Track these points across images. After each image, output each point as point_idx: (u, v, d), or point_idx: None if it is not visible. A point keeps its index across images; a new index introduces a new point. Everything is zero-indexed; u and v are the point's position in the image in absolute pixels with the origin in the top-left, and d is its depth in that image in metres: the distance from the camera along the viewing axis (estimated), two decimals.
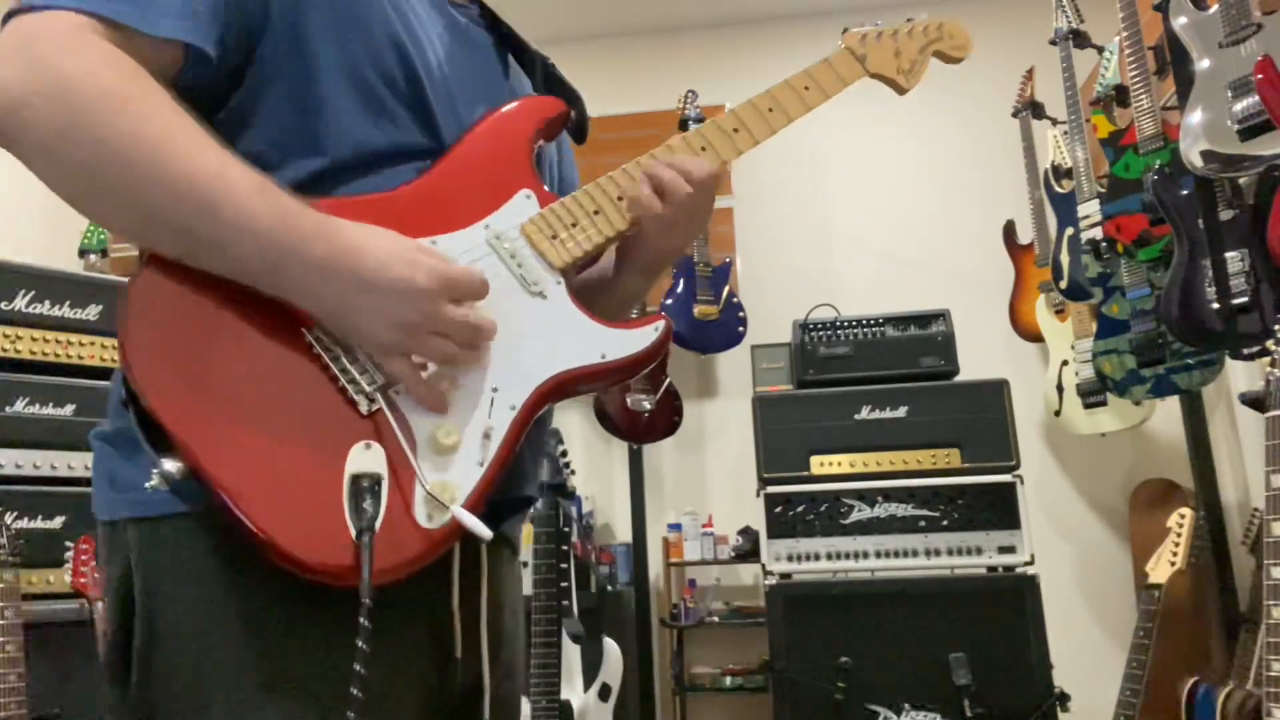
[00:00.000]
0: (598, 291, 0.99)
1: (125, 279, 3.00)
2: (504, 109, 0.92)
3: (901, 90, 1.04)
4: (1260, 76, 2.02)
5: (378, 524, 0.72)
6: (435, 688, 0.85)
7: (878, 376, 3.01)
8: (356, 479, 0.73)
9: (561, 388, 0.84)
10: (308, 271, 0.75)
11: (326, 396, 0.77)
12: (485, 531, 0.75)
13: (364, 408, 0.77)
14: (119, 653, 0.78)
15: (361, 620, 0.69)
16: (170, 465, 0.71)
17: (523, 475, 0.90)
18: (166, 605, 0.77)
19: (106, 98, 0.72)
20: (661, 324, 0.86)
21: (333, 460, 0.74)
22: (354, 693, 0.69)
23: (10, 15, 0.75)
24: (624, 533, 3.87)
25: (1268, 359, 1.73)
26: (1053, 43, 3.21)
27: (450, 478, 0.77)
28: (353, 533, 0.71)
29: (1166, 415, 3.48)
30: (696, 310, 3.65)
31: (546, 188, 0.92)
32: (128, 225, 0.76)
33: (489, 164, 0.89)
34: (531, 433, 0.84)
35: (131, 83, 0.74)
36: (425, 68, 0.88)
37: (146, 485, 0.72)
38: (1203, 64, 2.20)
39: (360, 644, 0.69)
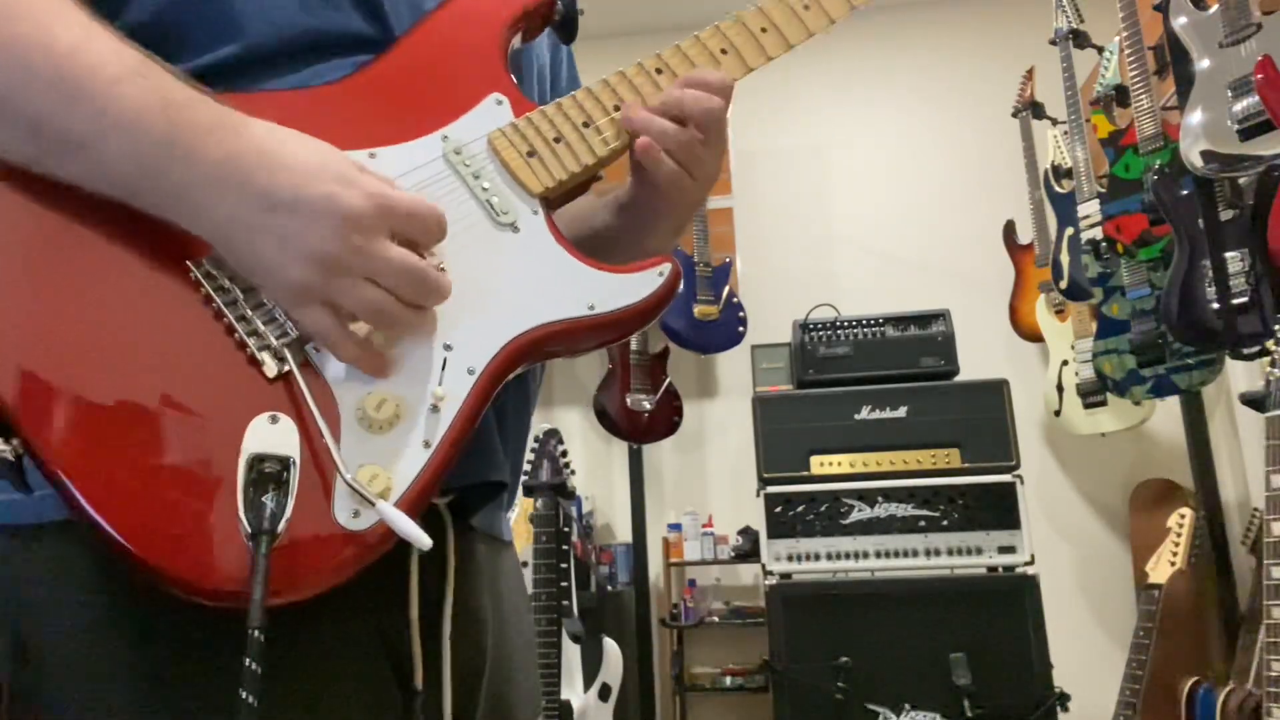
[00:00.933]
0: (612, 248, 0.77)
1: None
2: None
3: None
4: (1260, 76, 2.02)
5: (282, 524, 0.53)
6: (405, 685, 0.66)
7: (878, 376, 3.01)
8: (257, 462, 0.54)
9: (536, 346, 0.64)
10: (196, 180, 0.55)
11: (220, 353, 0.57)
12: (424, 539, 0.56)
13: (271, 369, 0.58)
14: None
15: (248, 663, 0.50)
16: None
17: (492, 454, 0.70)
18: (43, 639, 0.58)
19: None
20: (667, 267, 0.66)
21: (226, 438, 0.55)
22: None
23: None
24: (624, 533, 3.87)
25: (1268, 359, 1.73)
26: (1053, 43, 3.21)
27: (384, 463, 0.58)
28: (245, 535, 0.52)
29: (1166, 415, 3.48)
30: (696, 310, 3.65)
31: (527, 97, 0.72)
32: None
33: (450, 60, 0.69)
34: (507, 403, 0.67)
35: None
36: None
37: None
38: (1203, 64, 2.20)
39: (245, 695, 0.49)
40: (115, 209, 0.57)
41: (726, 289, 3.73)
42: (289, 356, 0.58)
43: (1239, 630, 2.84)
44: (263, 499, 0.53)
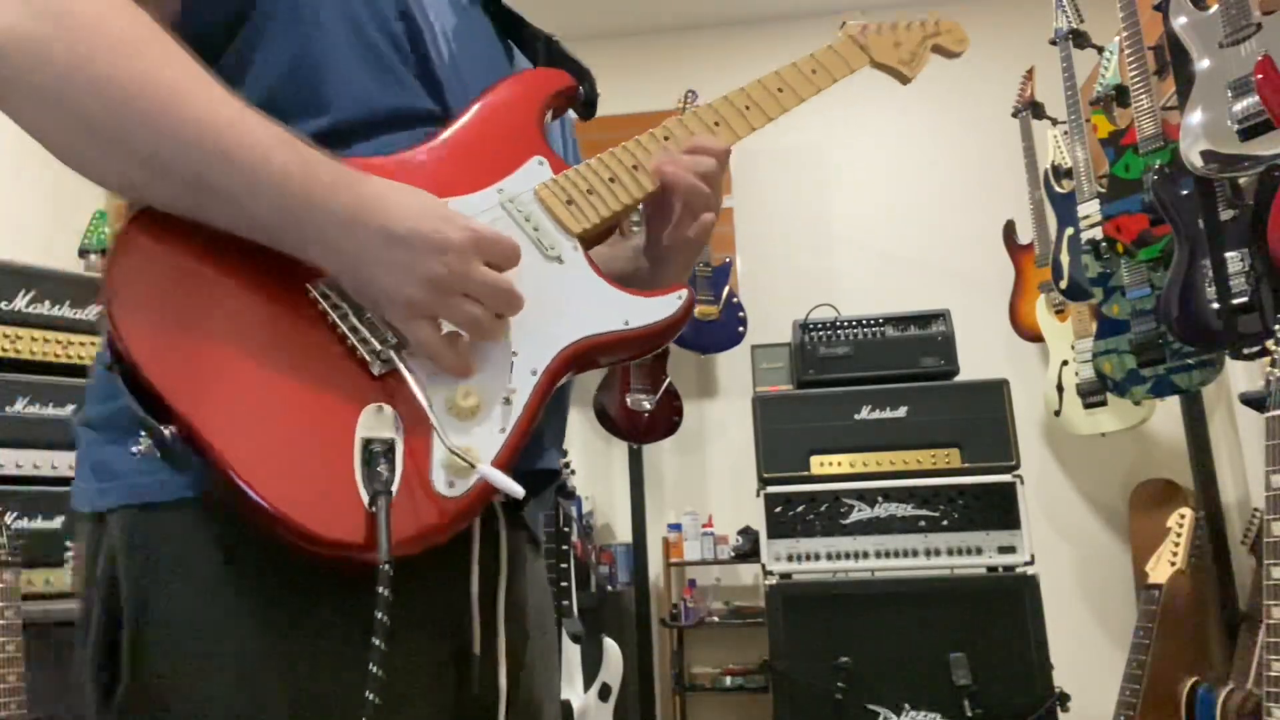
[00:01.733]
0: (633, 281, 0.94)
1: None
2: (513, 78, 0.91)
3: (905, 80, 1.05)
4: (1260, 76, 2.02)
5: (394, 488, 0.67)
6: (453, 688, 0.77)
7: (878, 376, 3.01)
8: (368, 443, 0.68)
9: (583, 354, 0.79)
10: (330, 224, 0.70)
11: (334, 356, 0.72)
12: (517, 489, 0.70)
13: (375, 368, 0.72)
14: (104, 655, 0.70)
15: (380, 590, 0.64)
16: (161, 428, 0.65)
17: (541, 447, 0.85)
18: (159, 602, 0.69)
19: (118, 40, 0.69)
20: (684, 292, 0.83)
21: (342, 424, 0.69)
22: (372, 669, 0.63)
23: None
24: (624, 533, 3.87)
25: (1268, 359, 1.73)
26: (1053, 43, 3.21)
27: (471, 442, 0.71)
28: (364, 500, 0.66)
29: (1166, 415, 3.48)
30: (696, 310, 3.65)
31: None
32: (131, 177, 0.71)
33: (500, 130, 0.86)
34: (550, 408, 0.79)
35: (143, 26, 0.70)
36: (430, 34, 0.87)
37: (133, 450, 0.67)
38: (1203, 64, 2.20)
39: (379, 615, 0.64)
40: (247, 247, 0.71)
41: (726, 289, 3.73)
42: (392, 358, 0.72)
43: (1239, 630, 2.84)
44: (377, 469, 0.67)
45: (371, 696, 0.62)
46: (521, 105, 0.89)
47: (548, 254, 0.81)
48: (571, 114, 1.02)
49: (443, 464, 0.70)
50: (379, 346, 0.72)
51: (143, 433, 0.66)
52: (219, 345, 0.69)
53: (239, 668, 0.68)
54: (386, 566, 0.64)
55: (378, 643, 0.63)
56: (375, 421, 0.69)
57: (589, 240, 0.85)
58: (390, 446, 0.68)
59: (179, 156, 0.68)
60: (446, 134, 0.83)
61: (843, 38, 1.03)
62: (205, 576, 0.69)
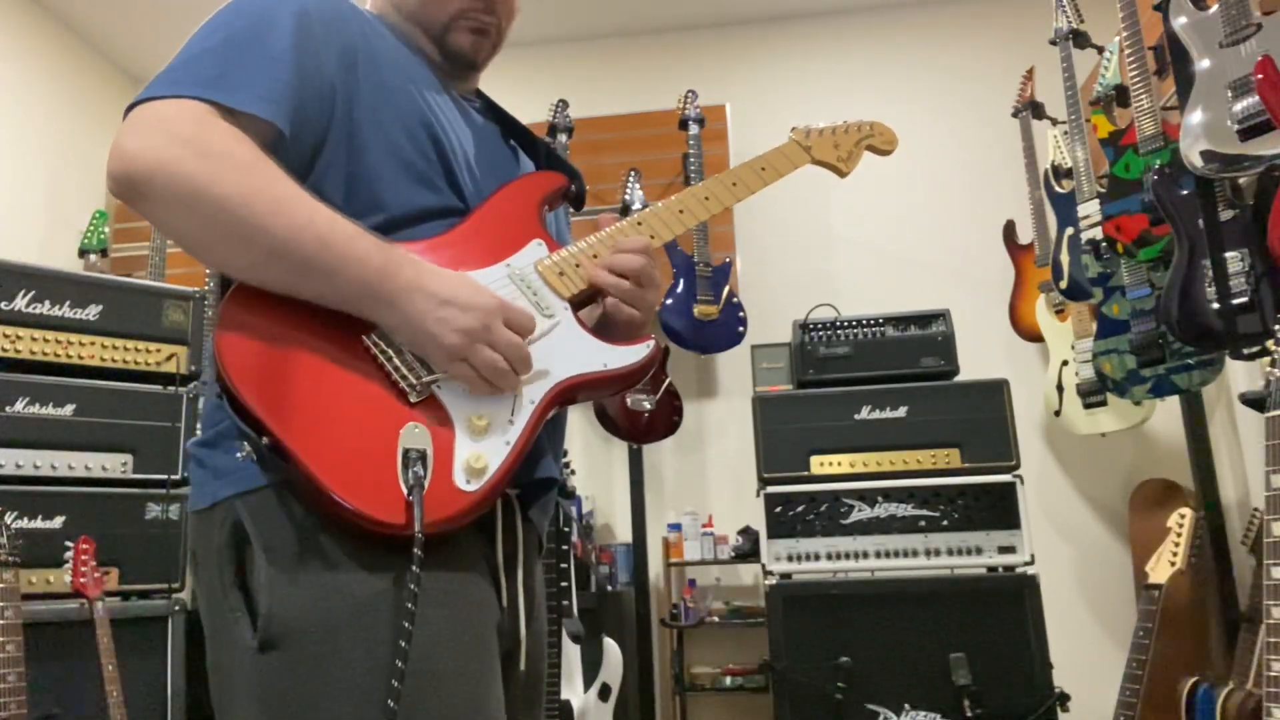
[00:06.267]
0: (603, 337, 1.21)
1: (124, 279, 2.98)
2: (519, 180, 1.16)
3: (842, 174, 1.32)
4: (1260, 76, 2.02)
5: (425, 484, 0.90)
6: (501, 618, 1.02)
7: (878, 376, 3.01)
8: (406, 452, 0.91)
9: (571, 390, 1.03)
10: (396, 291, 0.95)
11: (383, 389, 0.95)
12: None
13: (413, 397, 0.95)
14: (237, 567, 0.95)
15: (415, 551, 0.87)
16: (259, 439, 0.89)
17: (541, 458, 1.09)
18: (273, 533, 0.93)
19: (240, 161, 0.93)
20: (652, 342, 1.08)
21: (388, 437, 0.92)
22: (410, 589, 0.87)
23: (138, 103, 0.95)
24: (624, 533, 3.87)
25: (1268, 359, 1.73)
26: (1053, 43, 3.21)
27: (482, 451, 0.94)
28: (404, 492, 0.89)
29: (1166, 415, 3.48)
30: (696, 310, 3.65)
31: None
32: (249, 261, 0.94)
33: (508, 219, 1.12)
34: (547, 426, 1.03)
35: (255, 152, 0.94)
36: (451, 149, 1.12)
37: (238, 455, 0.91)
38: (1203, 64, 2.20)
39: (414, 567, 0.87)
40: (315, 316, 0.96)
41: (726, 289, 3.73)
42: (425, 390, 0.96)
43: (1239, 630, 2.84)
44: (413, 471, 0.90)
45: (407, 626, 0.86)
46: (525, 200, 1.15)
47: (545, 314, 1.05)
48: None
49: (462, 468, 0.93)
50: (415, 381, 0.96)
51: (245, 444, 0.90)
52: (298, 381, 0.93)
53: (321, 577, 0.93)
54: (420, 535, 0.87)
55: (412, 587, 0.87)
56: (412, 436, 0.92)
57: (578, 302, 1.09)
58: (423, 454, 0.91)
59: (290, 244, 0.92)
60: (467, 223, 1.09)
61: (789, 141, 1.28)
62: (302, 523, 0.93)
